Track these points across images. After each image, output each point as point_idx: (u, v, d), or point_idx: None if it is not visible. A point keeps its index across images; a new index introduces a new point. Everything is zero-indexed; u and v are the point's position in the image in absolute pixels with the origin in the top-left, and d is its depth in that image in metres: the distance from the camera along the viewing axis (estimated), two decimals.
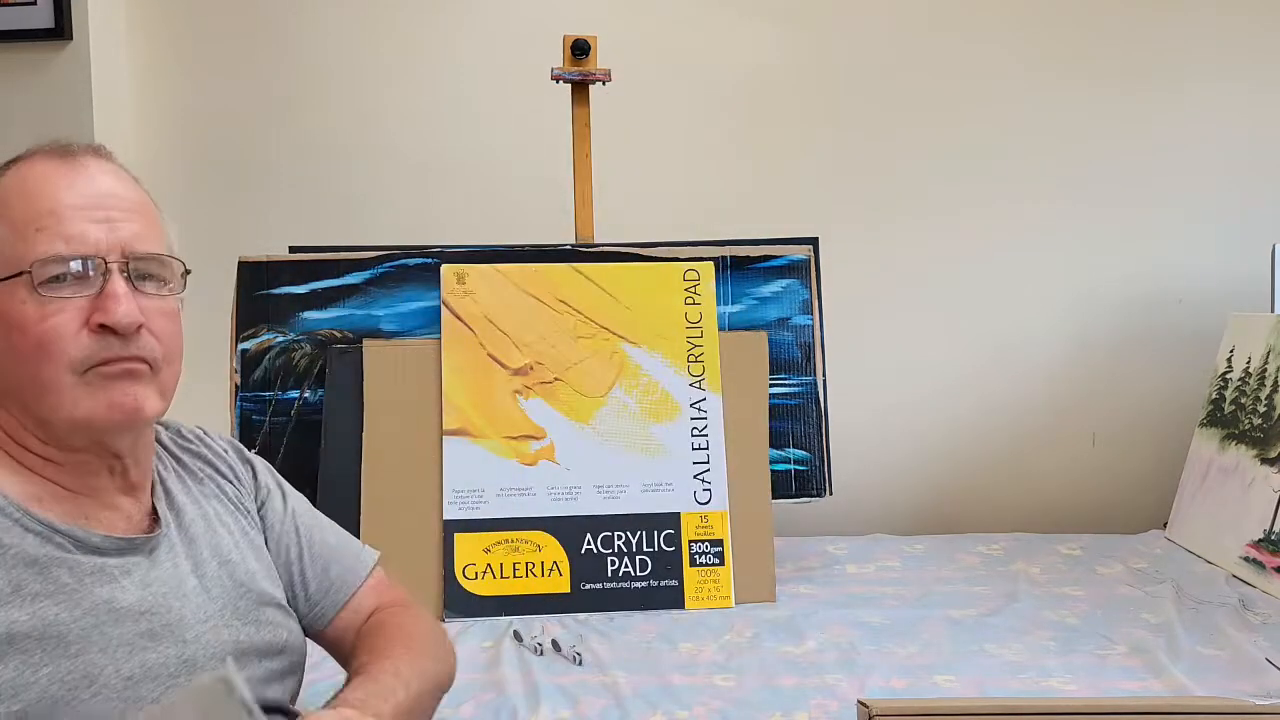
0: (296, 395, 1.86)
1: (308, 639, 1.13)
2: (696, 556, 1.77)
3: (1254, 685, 1.37)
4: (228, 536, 1.05)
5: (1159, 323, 2.39)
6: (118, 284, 0.91)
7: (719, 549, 1.78)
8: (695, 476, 1.81)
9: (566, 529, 1.77)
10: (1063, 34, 2.39)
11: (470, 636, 1.61)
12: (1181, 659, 1.47)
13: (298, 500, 1.18)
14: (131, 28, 2.47)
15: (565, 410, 1.82)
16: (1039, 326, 2.41)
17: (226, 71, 2.47)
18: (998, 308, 2.42)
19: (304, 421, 1.84)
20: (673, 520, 1.79)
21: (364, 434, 1.79)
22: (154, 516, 1.00)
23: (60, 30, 2.32)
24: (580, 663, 1.49)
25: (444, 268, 1.87)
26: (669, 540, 1.78)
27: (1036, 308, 2.41)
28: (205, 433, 1.14)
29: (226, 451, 1.14)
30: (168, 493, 1.03)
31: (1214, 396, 2.11)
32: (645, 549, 1.77)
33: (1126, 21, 2.38)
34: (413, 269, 1.90)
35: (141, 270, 0.94)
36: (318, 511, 1.21)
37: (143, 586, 0.93)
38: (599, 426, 1.82)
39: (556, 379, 1.84)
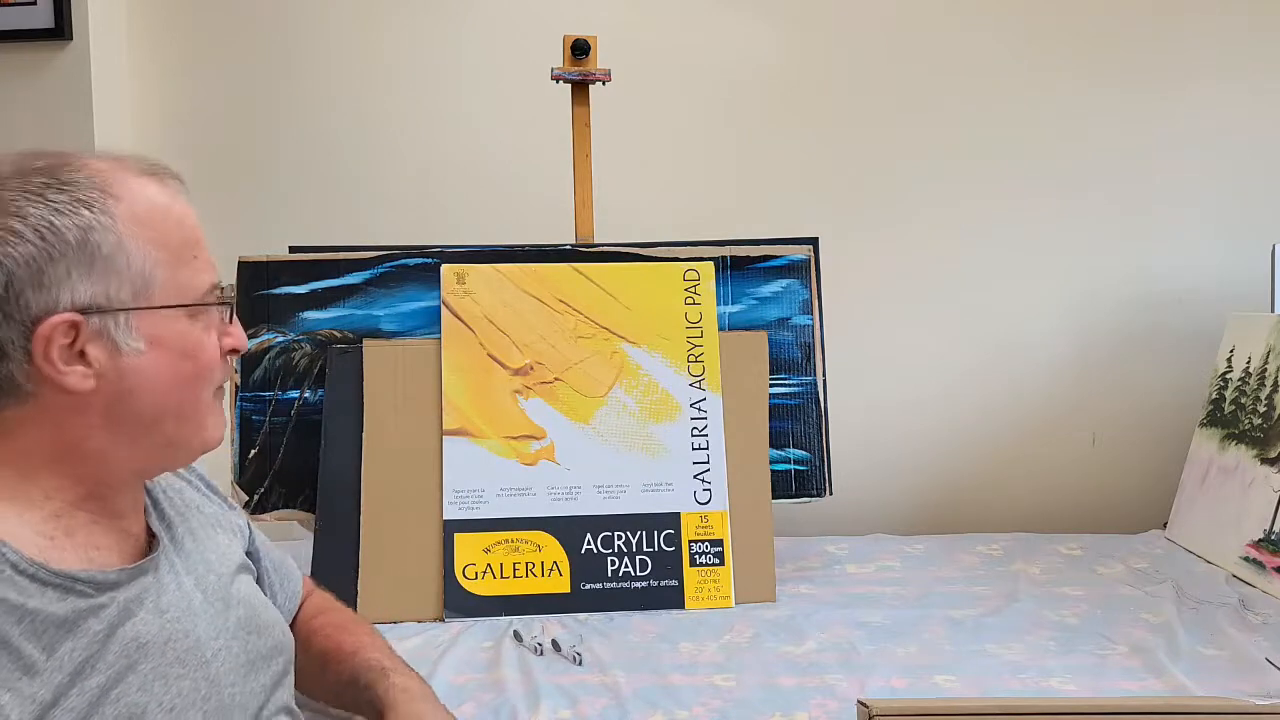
0: (296, 395, 1.86)
1: None
2: (696, 556, 1.77)
3: (1254, 685, 1.37)
4: (213, 547, 1.06)
5: (1159, 323, 2.39)
6: (235, 312, 0.99)
7: (719, 549, 1.78)
8: (695, 476, 1.81)
9: (566, 529, 1.77)
10: (1063, 34, 2.39)
11: (470, 636, 1.61)
12: (1181, 659, 1.47)
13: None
14: (131, 28, 2.47)
15: (565, 410, 1.82)
16: (1039, 326, 2.41)
17: (226, 71, 2.47)
18: (998, 307, 2.42)
19: (304, 421, 1.84)
20: (673, 520, 1.79)
21: (364, 434, 1.79)
22: (149, 532, 1.00)
23: (60, 30, 2.32)
24: (580, 663, 1.49)
25: (444, 268, 1.88)
26: (669, 540, 1.78)
27: (1036, 308, 2.41)
28: None
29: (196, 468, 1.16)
30: (155, 503, 1.03)
31: (1214, 396, 2.11)
32: (645, 549, 1.77)
33: (1127, 21, 2.38)
34: (413, 269, 1.90)
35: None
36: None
37: (158, 614, 0.93)
38: (599, 426, 1.82)
39: (556, 379, 1.84)
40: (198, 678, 0.94)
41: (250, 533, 1.19)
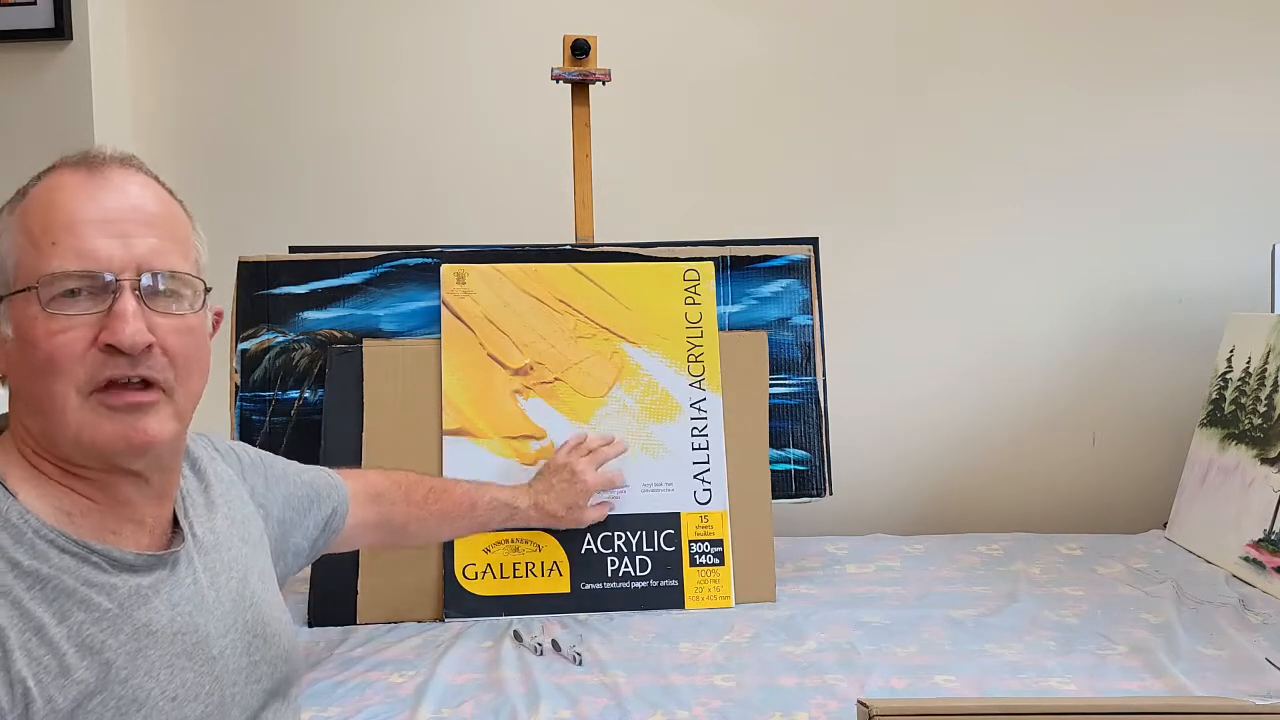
0: (296, 395, 1.86)
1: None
2: (696, 556, 1.77)
3: (1254, 685, 1.37)
4: (233, 548, 1.06)
5: (1159, 323, 2.39)
6: (127, 302, 0.89)
7: (719, 549, 1.78)
8: (695, 476, 1.81)
9: (566, 529, 1.77)
10: (1063, 34, 2.39)
11: (470, 636, 1.61)
12: (1181, 659, 1.46)
13: (271, 463, 1.26)
14: (131, 28, 2.47)
15: (565, 410, 1.82)
16: (1039, 326, 2.41)
17: (227, 71, 2.47)
18: (998, 307, 2.42)
19: (304, 421, 1.84)
20: (673, 520, 1.79)
21: (364, 434, 1.79)
22: (174, 526, 1.00)
23: (60, 30, 2.32)
24: (580, 663, 1.49)
25: (444, 268, 1.88)
26: (669, 540, 1.78)
27: (1036, 307, 2.41)
28: (211, 439, 1.17)
29: (226, 454, 1.17)
30: (184, 501, 1.03)
31: (1214, 396, 2.11)
32: (645, 549, 1.77)
33: (1127, 22, 2.38)
34: (413, 269, 1.90)
35: (155, 288, 0.91)
36: (285, 460, 1.30)
37: (171, 606, 0.94)
38: (599, 426, 1.82)
39: (556, 379, 1.84)
40: (202, 672, 0.94)
41: (275, 488, 1.23)
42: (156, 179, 0.97)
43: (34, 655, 0.83)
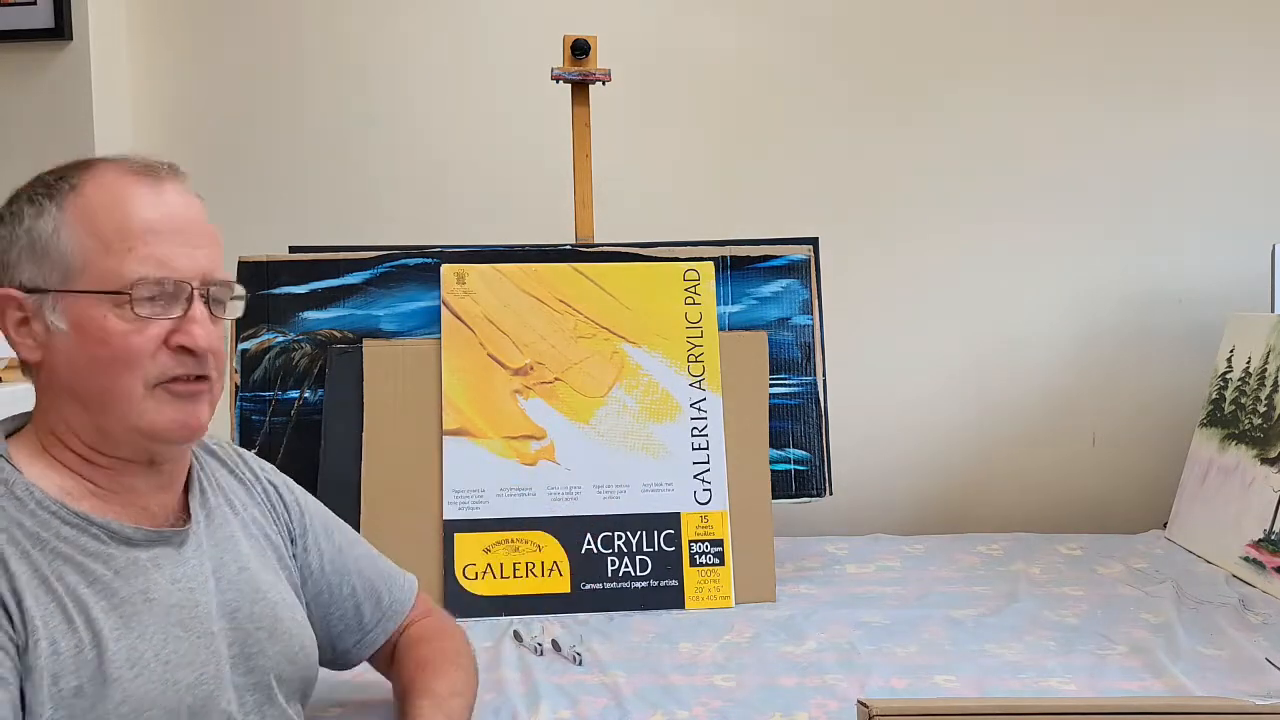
0: (296, 395, 1.86)
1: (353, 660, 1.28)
2: (696, 556, 1.77)
3: (1254, 685, 1.37)
4: (249, 547, 1.10)
5: (1159, 323, 2.39)
6: (200, 310, 0.98)
7: (719, 549, 1.78)
8: (695, 476, 1.81)
9: (567, 529, 1.77)
10: (1063, 35, 2.38)
11: (470, 637, 1.60)
12: (1181, 659, 1.46)
13: (343, 533, 1.26)
14: (131, 28, 2.47)
15: (565, 410, 1.82)
16: (1039, 326, 2.41)
17: (226, 71, 2.47)
18: (997, 307, 2.42)
19: (304, 421, 1.84)
20: (673, 520, 1.79)
21: (364, 434, 1.79)
22: (182, 513, 1.05)
23: (60, 30, 2.32)
24: (580, 663, 1.49)
25: (444, 268, 1.88)
26: (669, 540, 1.78)
27: (1036, 307, 2.41)
28: (249, 457, 1.20)
29: (268, 479, 1.20)
30: (203, 492, 1.08)
31: (1214, 396, 2.11)
32: (645, 549, 1.77)
33: (1127, 24, 2.38)
34: (413, 269, 1.90)
35: (216, 296, 1.01)
36: (360, 539, 1.29)
37: (172, 581, 0.99)
38: (599, 426, 1.82)
39: (556, 379, 1.84)
40: (197, 644, 0.98)
41: (333, 549, 1.22)
42: (191, 190, 1.05)
43: (40, 600, 0.90)
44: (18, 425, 1.02)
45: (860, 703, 1.14)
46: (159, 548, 0.99)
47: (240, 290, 1.05)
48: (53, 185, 0.98)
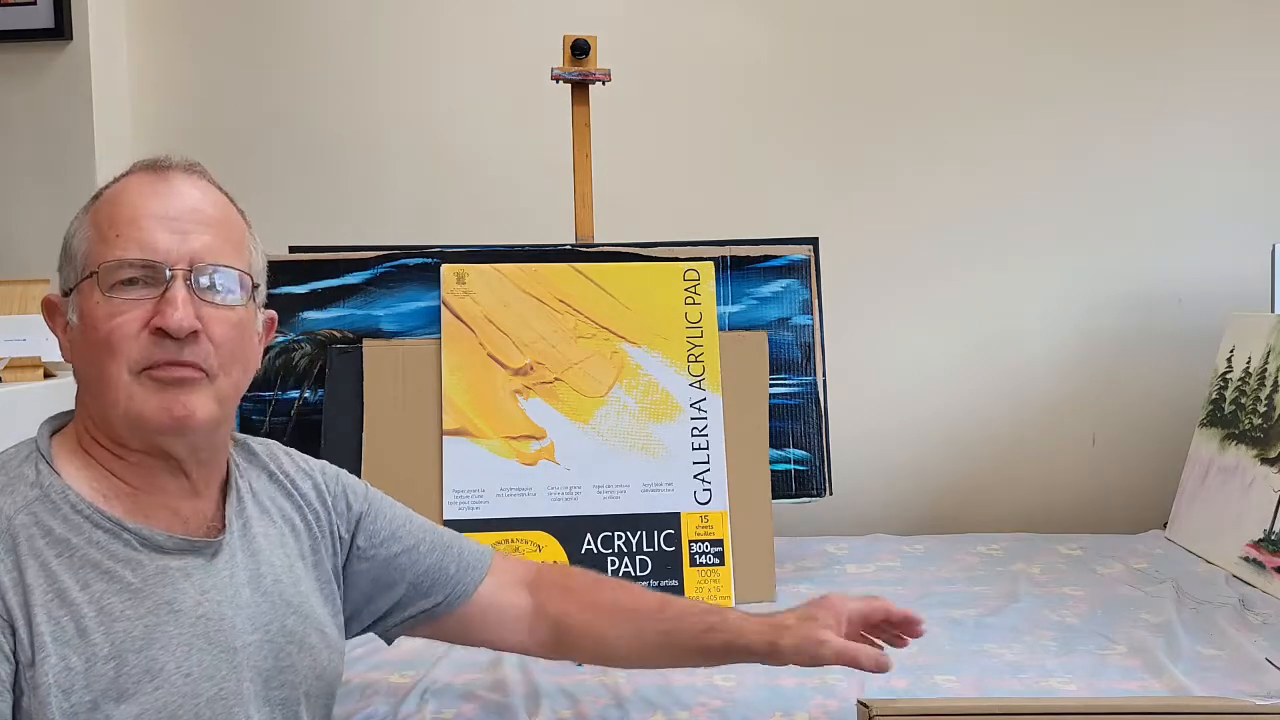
0: (296, 395, 1.86)
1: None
2: (696, 556, 1.77)
3: (1254, 685, 1.37)
4: (284, 559, 1.07)
5: (1159, 323, 2.39)
6: (178, 290, 0.95)
7: (719, 549, 1.78)
8: (695, 476, 1.81)
9: (567, 529, 1.77)
10: (1063, 35, 2.39)
11: None
12: (1181, 659, 1.46)
13: (394, 513, 1.22)
14: (131, 28, 2.47)
15: (565, 410, 1.82)
16: (1039, 326, 2.41)
17: (226, 71, 2.47)
18: (997, 307, 2.42)
19: (304, 421, 1.84)
20: (673, 520, 1.79)
21: (364, 434, 1.79)
22: (217, 522, 1.03)
23: (60, 30, 2.33)
24: (580, 663, 1.49)
25: (444, 268, 1.88)
26: (669, 540, 1.78)
27: (1036, 308, 2.41)
28: (283, 456, 1.16)
29: (312, 474, 1.15)
30: (240, 500, 1.06)
31: (1214, 396, 2.11)
32: (645, 549, 1.77)
33: (1126, 22, 2.38)
34: (413, 269, 1.90)
35: (205, 280, 0.97)
36: (419, 518, 1.25)
37: (201, 592, 0.98)
38: (599, 426, 1.82)
39: (556, 379, 1.84)
40: (220, 658, 0.97)
41: (393, 529, 1.19)
42: (218, 186, 1.04)
43: (54, 616, 0.89)
44: (62, 423, 1.03)
45: (860, 703, 1.14)
46: (190, 557, 0.98)
47: (246, 279, 1.01)
48: (91, 198, 1.02)
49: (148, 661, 0.92)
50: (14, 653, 0.88)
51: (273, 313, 1.10)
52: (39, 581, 0.90)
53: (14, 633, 0.88)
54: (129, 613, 0.92)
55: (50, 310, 1.02)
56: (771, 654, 1.10)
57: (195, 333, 0.96)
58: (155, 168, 1.01)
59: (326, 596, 1.12)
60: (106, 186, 1.02)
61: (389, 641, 1.25)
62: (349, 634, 1.19)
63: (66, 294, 1.00)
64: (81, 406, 1.01)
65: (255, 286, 1.03)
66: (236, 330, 1.00)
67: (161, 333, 0.94)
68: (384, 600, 1.19)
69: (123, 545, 0.94)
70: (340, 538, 1.15)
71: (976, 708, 1.10)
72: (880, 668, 1.03)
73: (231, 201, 1.05)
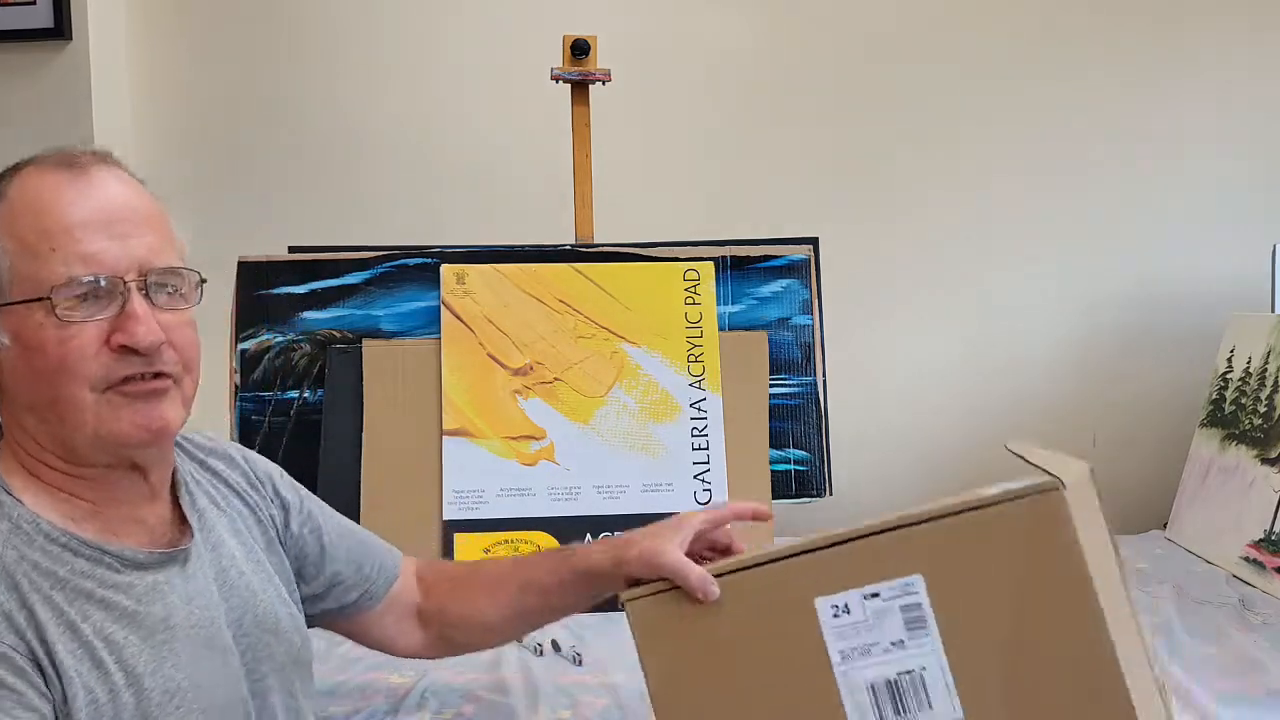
0: (296, 395, 1.86)
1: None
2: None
3: (1254, 685, 1.37)
4: (239, 546, 1.06)
5: (1159, 323, 2.39)
6: (137, 304, 0.90)
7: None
8: (695, 476, 1.80)
9: (567, 529, 1.77)
10: (1063, 34, 2.38)
11: None
12: (1181, 659, 1.46)
13: (318, 507, 1.20)
14: (131, 28, 2.47)
15: (565, 410, 1.82)
16: (1039, 326, 2.41)
17: (226, 71, 2.47)
18: (997, 307, 2.42)
19: (303, 422, 1.84)
20: None
21: (364, 434, 1.79)
22: (178, 524, 1.00)
23: (60, 30, 2.32)
24: (580, 663, 1.49)
25: (444, 268, 1.87)
26: None
27: (1036, 307, 2.41)
28: (212, 443, 1.13)
29: (245, 460, 1.14)
30: (190, 494, 1.03)
31: (1214, 396, 2.11)
32: None
33: (1126, 21, 2.38)
34: (412, 269, 1.90)
35: (159, 285, 0.92)
36: (339, 516, 1.23)
37: (187, 601, 0.95)
38: (599, 426, 1.82)
39: (556, 379, 1.84)
40: (220, 662, 0.96)
41: (313, 520, 1.16)
42: (132, 174, 0.97)
43: (70, 650, 0.86)
44: None
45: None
46: (170, 568, 0.95)
47: (193, 276, 0.96)
48: None
49: (164, 683, 0.90)
50: (47, 689, 0.84)
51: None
52: (48, 616, 0.86)
53: (42, 671, 0.84)
54: (132, 638, 0.90)
55: None
56: (617, 567, 1.08)
57: (161, 343, 0.91)
58: (69, 163, 0.92)
59: (282, 575, 1.10)
60: (3, 187, 0.92)
61: None
62: None
63: None
64: (19, 430, 0.93)
65: (202, 281, 0.97)
66: (193, 329, 0.97)
67: (126, 349, 0.89)
68: (304, 590, 1.16)
69: (107, 570, 0.91)
70: (274, 520, 1.13)
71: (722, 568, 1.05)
72: (707, 594, 1.01)
73: (144, 186, 0.97)
